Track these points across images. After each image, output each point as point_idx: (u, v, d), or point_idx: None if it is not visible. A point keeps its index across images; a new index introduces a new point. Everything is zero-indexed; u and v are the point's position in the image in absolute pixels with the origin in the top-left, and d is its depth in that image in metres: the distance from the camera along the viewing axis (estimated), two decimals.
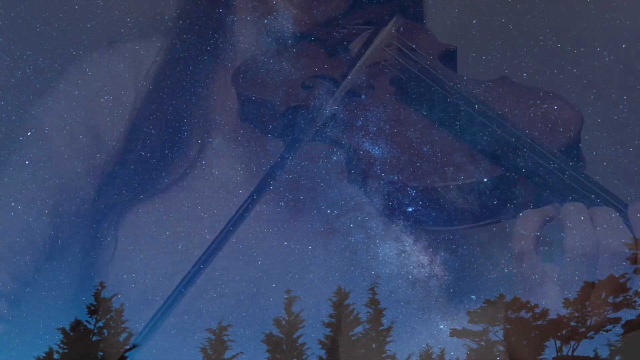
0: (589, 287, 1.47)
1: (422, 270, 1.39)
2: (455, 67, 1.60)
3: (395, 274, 1.40)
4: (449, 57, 1.59)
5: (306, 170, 1.45)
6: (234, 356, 1.56)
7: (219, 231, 1.44)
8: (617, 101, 1.60)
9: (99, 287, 1.54)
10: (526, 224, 1.34)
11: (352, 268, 1.41)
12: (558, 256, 1.37)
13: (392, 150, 1.46)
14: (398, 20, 1.58)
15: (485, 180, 1.40)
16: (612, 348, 1.54)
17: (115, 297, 1.52)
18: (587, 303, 1.50)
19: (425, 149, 1.45)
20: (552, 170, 1.40)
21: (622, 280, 1.51)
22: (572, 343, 1.48)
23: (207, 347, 1.56)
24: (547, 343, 1.49)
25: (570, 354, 1.48)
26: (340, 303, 1.46)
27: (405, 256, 1.39)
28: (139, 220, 1.58)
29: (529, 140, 1.42)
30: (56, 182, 1.60)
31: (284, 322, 1.53)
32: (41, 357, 1.51)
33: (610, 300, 1.51)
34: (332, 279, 1.43)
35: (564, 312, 1.49)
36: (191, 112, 1.60)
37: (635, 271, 1.50)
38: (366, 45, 1.55)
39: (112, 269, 1.59)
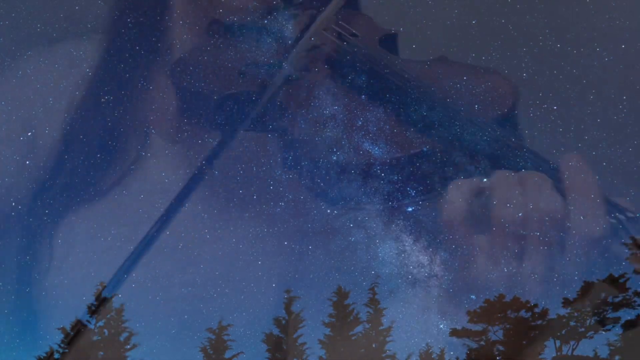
0: (587, 286, 1.48)
1: (422, 270, 1.39)
2: (396, 51, 1.60)
3: (395, 274, 1.40)
4: (389, 41, 1.59)
5: (306, 170, 1.45)
6: (234, 356, 1.56)
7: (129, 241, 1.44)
8: (617, 101, 1.60)
9: (100, 287, 1.54)
10: (455, 194, 1.35)
11: (352, 268, 1.41)
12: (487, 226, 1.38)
13: (337, 131, 1.46)
14: (338, 3, 1.58)
15: (425, 150, 1.41)
16: (611, 348, 1.54)
17: (115, 297, 1.53)
18: (587, 303, 1.51)
19: (372, 128, 1.46)
20: (486, 141, 1.41)
21: (621, 280, 1.52)
22: (572, 343, 1.48)
23: (208, 347, 1.56)
24: (546, 343, 1.49)
25: (569, 353, 1.48)
26: (340, 303, 1.47)
27: (405, 256, 1.39)
28: (79, 223, 1.57)
29: (462, 113, 1.43)
30: None
31: (284, 322, 1.53)
32: (42, 357, 1.51)
33: (609, 300, 1.52)
34: (332, 279, 1.43)
35: (564, 311, 1.49)
36: (129, 114, 1.60)
37: (634, 271, 1.50)
38: (304, 29, 1.55)
39: (49, 275, 1.58)
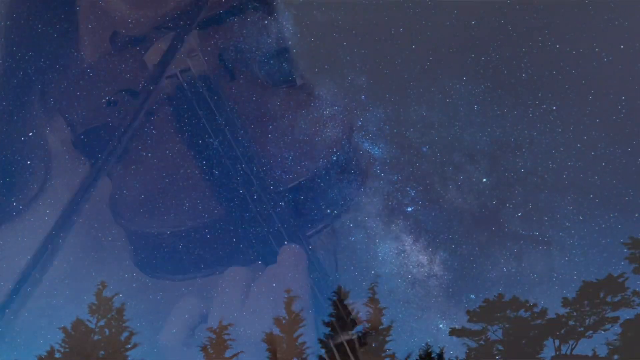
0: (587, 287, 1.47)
1: (422, 269, 1.39)
2: (290, 65, 1.57)
3: (395, 274, 1.40)
4: (281, 56, 1.56)
5: (306, 170, 1.45)
6: (234, 355, 1.56)
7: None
8: (616, 102, 1.60)
9: (100, 287, 1.54)
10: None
11: (352, 267, 1.40)
12: None
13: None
14: (202, 25, 1.54)
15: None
16: (610, 347, 1.55)
17: (116, 297, 1.52)
18: (586, 302, 1.51)
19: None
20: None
21: (620, 280, 1.52)
22: (571, 342, 1.48)
23: (208, 346, 1.56)
24: (545, 342, 1.49)
25: (568, 352, 1.48)
26: (340, 302, 1.46)
27: (405, 256, 1.39)
28: None
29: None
30: None
31: (284, 321, 1.53)
32: (43, 356, 1.51)
33: (608, 299, 1.52)
34: (332, 279, 1.42)
35: (563, 311, 1.49)
36: (32, 129, 1.56)
37: (633, 271, 1.50)
38: (168, 53, 1.51)
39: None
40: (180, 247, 1.38)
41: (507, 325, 1.58)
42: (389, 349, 1.50)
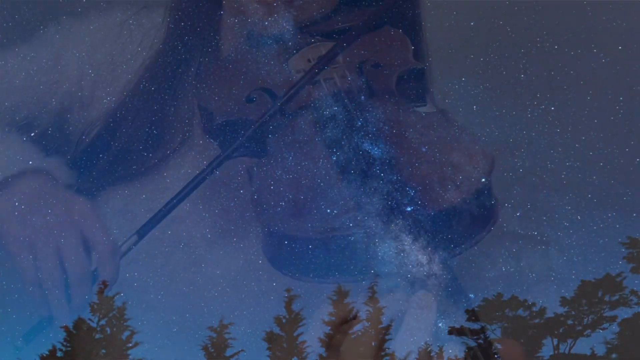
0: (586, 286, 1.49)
1: (421, 269, 1.41)
2: (424, 85, 1.59)
3: (395, 273, 1.41)
4: (417, 76, 1.58)
5: (306, 170, 1.47)
6: (235, 354, 1.57)
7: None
8: (614, 102, 1.61)
9: (102, 286, 1.55)
10: None
11: (352, 267, 1.42)
12: None
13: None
14: (359, 34, 1.56)
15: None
16: (608, 346, 1.56)
17: (117, 296, 1.54)
18: (584, 301, 1.52)
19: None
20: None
21: (618, 279, 1.53)
22: (569, 341, 1.49)
23: (209, 345, 1.57)
24: (544, 341, 1.50)
25: (567, 351, 1.49)
26: (340, 301, 1.48)
27: (404, 255, 1.40)
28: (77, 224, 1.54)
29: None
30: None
31: (284, 320, 1.54)
32: (45, 355, 1.53)
33: (606, 299, 1.53)
34: (332, 278, 1.44)
35: (561, 310, 1.50)
36: (133, 116, 1.60)
37: (631, 270, 1.52)
38: (319, 63, 1.54)
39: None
40: (321, 253, 1.38)
41: (505, 324, 1.59)
42: (388, 348, 1.51)
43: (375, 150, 1.46)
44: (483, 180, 1.41)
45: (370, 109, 1.50)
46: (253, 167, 1.49)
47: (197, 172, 1.49)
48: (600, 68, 1.64)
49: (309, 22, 1.54)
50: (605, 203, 1.56)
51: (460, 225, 1.42)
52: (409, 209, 1.41)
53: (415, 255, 1.40)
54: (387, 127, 1.46)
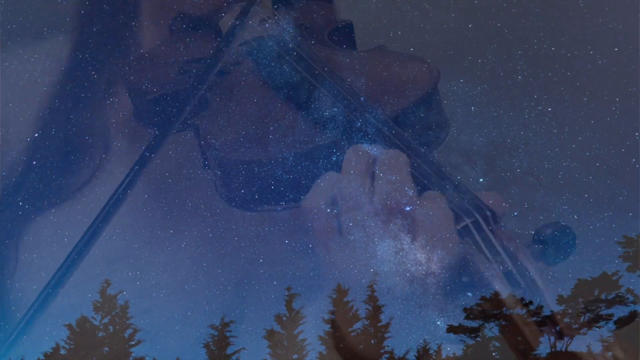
0: (581, 285, 1.50)
1: (420, 268, 1.42)
2: (352, 40, 1.61)
3: (394, 272, 1.42)
4: (342, 31, 1.60)
5: (306, 170, 1.47)
6: (236, 351, 1.58)
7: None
8: (610, 103, 1.63)
9: (105, 285, 1.56)
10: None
11: (351, 266, 1.43)
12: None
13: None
14: None
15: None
16: (604, 344, 1.57)
17: (120, 294, 1.55)
18: (581, 300, 1.53)
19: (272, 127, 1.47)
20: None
21: (614, 278, 1.54)
22: (566, 339, 1.51)
23: (210, 343, 1.58)
24: (541, 339, 1.51)
25: (563, 349, 1.50)
26: (339, 300, 1.49)
27: (403, 254, 1.41)
28: (40, 230, 1.55)
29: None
30: None
31: (284, 319, 1.55)
32: (48, 353, 1.54)
33: (603, 297, 1.54)
34: (331, 277, 1.45)
35: (558, 308, 1.52)
36: (97, 113, 1.60)
37: (627, 269, 1.53)
38: (239, 20, 1.55)
39: (16, 280, 1.58)
40: (277, 174, 1.37)
41: (503, 323, 1.60)
42: (387, 346, 1.52)
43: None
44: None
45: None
46: (198, 128, 1.48)
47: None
48: (596, 69, 1.65)
49: None
50: (602, 203, 1.58)
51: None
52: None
53: (414, 254, 1.42)
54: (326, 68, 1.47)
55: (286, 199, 1.44)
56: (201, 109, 1.48)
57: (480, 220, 1.36)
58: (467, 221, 1.34)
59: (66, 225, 1.56)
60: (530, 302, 1.46)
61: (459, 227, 1.35)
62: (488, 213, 1.35)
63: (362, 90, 1.45)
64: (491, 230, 1.35)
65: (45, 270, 1.50)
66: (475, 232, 1.35)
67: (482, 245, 1.36)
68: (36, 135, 1.60)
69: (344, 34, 1.58)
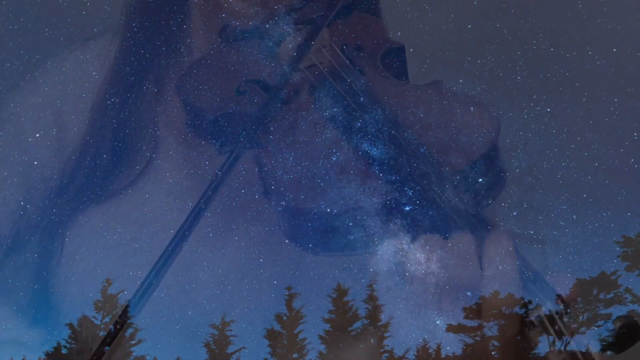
0: (580, 284, 1.51)
1: (419, 267, 1.42)
2: (404, 65, 1.60)
3: (393, 271, 1.43)
4: (394, 54, 1.59)
5: (306, 170, 1.48)
6: (236, 351, 1.59)
7: (166, 236, 1.47)
8: (608, 103, 1.63)
9: (106, 284, 1.57)
10: None
11: (351, 265, 1.44)
12: None
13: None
14: (336, 17, 1.57)
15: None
16: (603, 343, 1.57)
17: (121, 293, 1.55)
18: (579, 299, 1.54)
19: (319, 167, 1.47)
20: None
21: (613, 277, 1.55)
22: (565, 338, 1.51)
23: (211, 342, 1.58)
24: (540, 338, 1.52)
25: (562, 349, 1.51)
26: (339, 299, 1.49)
27: (403, 254, 1.42)
28: (87, 222, 1.59)
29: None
30: (25, 169, 1.62)
31: (284, 318, 1.56)
32: (50, 352, 1.54)
33: (601, 297, 1.55)
34: (331, 276, 1.45)
35: (557, 308, 1.52)
36: (136, 117, 1.62)
37: (626, 269, 1.54)
38: (301, 47, 1.55)
39: (60, 270, 1.60)
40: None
41: (502, 322, 1.60)
42: (386, 345, 1.52)
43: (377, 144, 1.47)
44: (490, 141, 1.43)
45: (364, 87, 1.51)
46: (260, 156, 1.49)
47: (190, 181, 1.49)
48: (595, 70, 1.66)
49: (283, 12, 1.55)
50: (600, 202, 1.58)
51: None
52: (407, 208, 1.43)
53: (414, 254, 1.42)
54: (387, 105, 1.47)
55: (286, 199, 1.45)
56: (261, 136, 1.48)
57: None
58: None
59: (113, 221, 1.58)
60: (530, 302, 1.46)
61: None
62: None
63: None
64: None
65: (90, 262, 1.53)
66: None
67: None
68: (74, 135, 1.64)
69: (396, 58, 1.57)
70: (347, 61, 1.53)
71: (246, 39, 1.55)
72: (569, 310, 1.38)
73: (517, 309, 1.52)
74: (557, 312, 1.39)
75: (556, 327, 1.40)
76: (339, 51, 1.53)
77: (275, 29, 1.54)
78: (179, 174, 1.61)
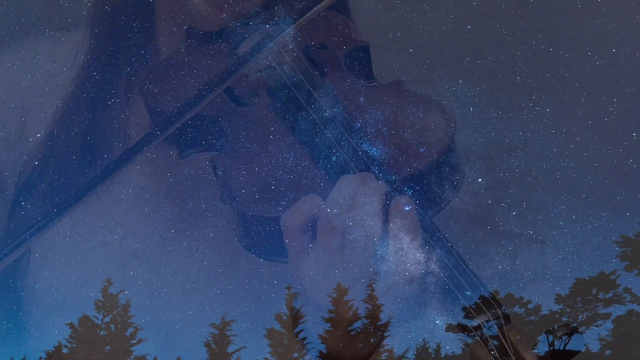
0: (580, 284, 1.51)
1: (419, 267, 1.43)
2: (369, 62, 1.60)
3: (393, 271, 1.43)
4: (360, 53, 1.59)
5: (306, 170, 1.48)
6: (236, 350, 1.59)
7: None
8: (607, 104, 1.63)
9: (106, 284, 1.57)
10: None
11: (351, 265, 1.44)
12: None
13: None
14: (301, 19, 1.57)
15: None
16: (602, 342, 1.58)
17: (121, 293, 1.56)
18: (579, 299, 1.54)
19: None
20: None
21: (612, 277, 1.55)
22: (564, 338, 1.51)
23: (211, 342, 1.59)
24: (539, 337, 1.52)
25: (562, 348, 1.51)
26: (339, 299, 1.49)
27: (403, 253, 1.42)
28: (53, 227, 1.52)
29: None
30: None
31: (285, 318, 1.56)
32: (50, 352, 1.54)
33: (600, 296, 1.55)
34: (331, 276, 1.46)
35: (556, 307, 1.52)
36: (110, 117, 1.61)
37: (625, 268, 1.54)
38: (257, 47, 1.55)
39: (27, 276, 1.59)
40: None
41: (502, 322, 1.61)
42: (386, 344, 1.52)
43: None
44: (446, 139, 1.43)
45: (327, 87, 1.51)
46: (215, 160, 1.49)
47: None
48: (594, 70, 1.66)
49: (249, 14, 1.55)
50: (600, 202, 1.59)
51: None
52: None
53: (414, 254, 1.43)
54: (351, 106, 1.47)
55: (286, 199, 1.45)
56: (218, 139, 1.48)
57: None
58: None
59: (81, 223, 1.57)
60: (529, 301, 1.47)
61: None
62: None
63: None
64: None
65: (57, 267, 1.52)
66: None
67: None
68: (47, 134, 1.61)
69: (360, 57, 1.57)
70: (308, 63, 1.53)
71: (211, 41, 1.55)
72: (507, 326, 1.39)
73: (516, 309, 1.52)
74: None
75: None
76: (299, 53, 1.53)
77: (239, 31, 1.54)
78: (147, 177, 1.60)
